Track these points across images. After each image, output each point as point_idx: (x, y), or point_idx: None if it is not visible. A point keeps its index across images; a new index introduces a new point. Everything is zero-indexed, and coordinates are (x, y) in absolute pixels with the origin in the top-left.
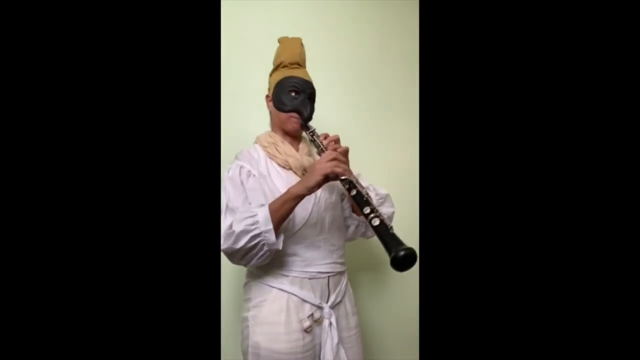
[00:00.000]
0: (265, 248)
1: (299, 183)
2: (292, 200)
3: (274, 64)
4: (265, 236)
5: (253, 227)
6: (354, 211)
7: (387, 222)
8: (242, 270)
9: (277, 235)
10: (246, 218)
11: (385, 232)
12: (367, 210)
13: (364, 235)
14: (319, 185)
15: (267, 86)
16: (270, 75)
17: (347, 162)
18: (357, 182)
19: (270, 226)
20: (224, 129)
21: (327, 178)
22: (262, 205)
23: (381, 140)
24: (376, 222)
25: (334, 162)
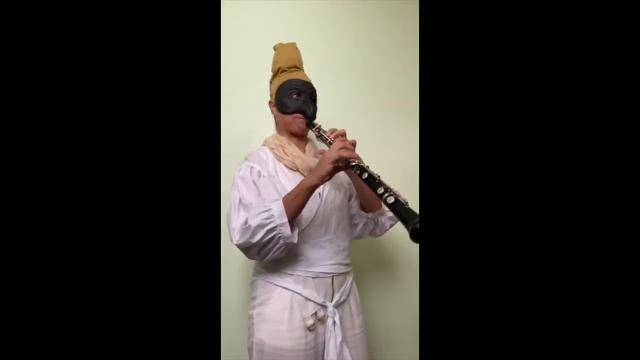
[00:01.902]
0: (281, 242)
1: (310, 174)
2: (304, 192)
3: (272, 71)
4: (281, 230)
5: (268, 220)
6: (362, 208)
7: (401, 198)
8: (249, 269)
9: (292, 229)
10: (261, 212)
11: (401, 208)
12: (380, 190)
13: (372, 233)
14: (329, 173)
15: (267, 86)
16: (271, 82)
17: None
18: (367, 166)
19: (285, 219)
20: (223, 129)
21: (336, 168)
22: (276, 199)
23: (381, 141)
24: (391, 199)
25: (342, 150)
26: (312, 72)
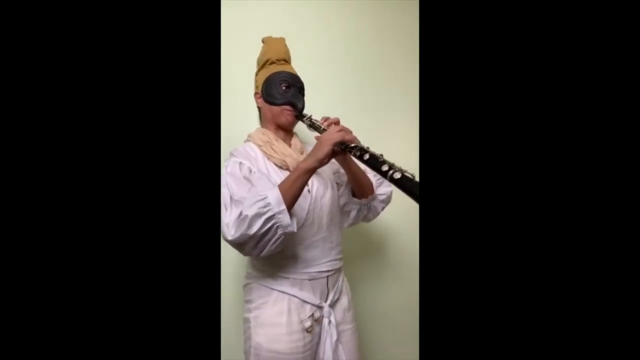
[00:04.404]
0: (280, 231)
1: (307, 157)
2: (302, 175)
3: (258, 64)
4: (279, 218)
5: (265, 209)
6: (354, 195)
7: (408, 173)
8: (241, 271)
9: (290, 217)
10: (257, 201)
11: (408, 182)
12: (385, 167)
13: (365, 218)
14: (328, 156)
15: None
16: (257, 74)
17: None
18: (367, 147)
19: (283, 207)
20: (223, 129)
21: (334, 152)
22: (271, 187)
23: (381, 139)
24: (397, 175)
25: (342, 132)
26: (312, 68)
